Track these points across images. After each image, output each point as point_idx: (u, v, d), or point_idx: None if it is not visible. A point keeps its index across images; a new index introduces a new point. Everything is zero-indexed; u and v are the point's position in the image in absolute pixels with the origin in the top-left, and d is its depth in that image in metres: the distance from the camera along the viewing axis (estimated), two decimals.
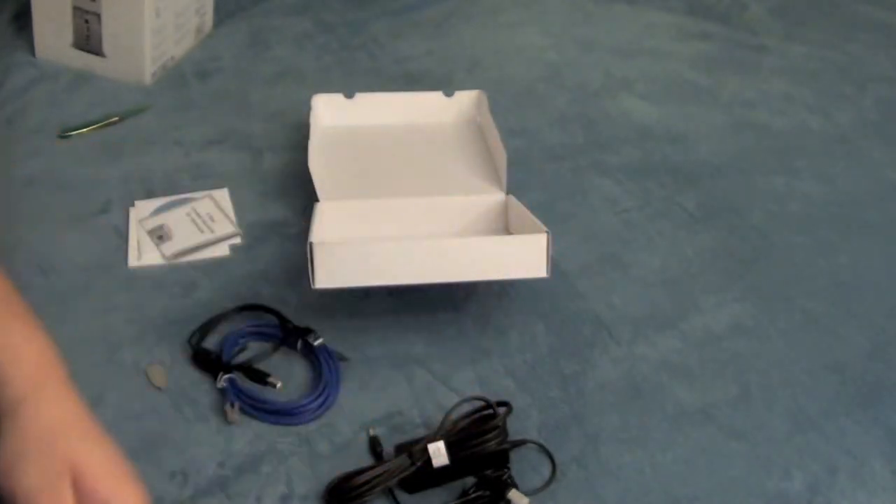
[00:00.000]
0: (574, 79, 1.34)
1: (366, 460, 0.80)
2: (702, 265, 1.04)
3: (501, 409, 0.81)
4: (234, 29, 1.37)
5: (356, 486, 0.75)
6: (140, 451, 0.80)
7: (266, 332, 0.90)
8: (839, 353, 0.95)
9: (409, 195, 1.02)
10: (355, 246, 0.88)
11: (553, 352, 0.92)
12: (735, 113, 1.31)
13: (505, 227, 1.00)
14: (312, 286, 0.85)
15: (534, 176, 1.14)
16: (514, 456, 0.81)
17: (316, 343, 0.88)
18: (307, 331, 0.89)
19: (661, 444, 0.84)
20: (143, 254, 0.99)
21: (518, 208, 0.97)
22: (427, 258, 0.86)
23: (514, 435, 0.81)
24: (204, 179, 1.08)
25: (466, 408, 0.81)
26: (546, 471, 0.81)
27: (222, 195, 1.07)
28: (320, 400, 0.84)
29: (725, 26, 1.51)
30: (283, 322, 0.90)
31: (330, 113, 1.14)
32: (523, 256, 0.87)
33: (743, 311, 0.99)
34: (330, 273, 0.85)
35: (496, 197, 1.01)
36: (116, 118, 1.16)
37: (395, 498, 0.77)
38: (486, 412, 0.80)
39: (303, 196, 1.05)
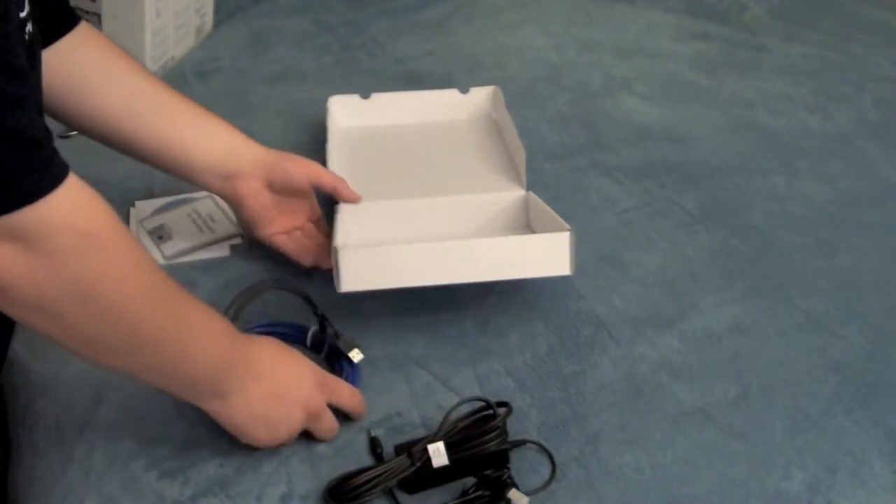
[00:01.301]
0: (574, 79, 1.34)
1: (366, 460, 0.80)
2: (702, 265, 1.04)
3: (501, 410, 0.81)
4: (234, 29, 1.37)
5: (356, 486, 0.75)
6: (140, 451, 0.80)
7: (279, 332, 0.89)
8: (839, 353, 0.95)
9: (429, 195, 1.02)
10: (380, 249, 0.88)
11: (553, 352, 0.92)
12: (735, 113, 1.31)
13: (526, 223, 1.01)
14: (338, 290, 0.86)
15: (534, 176, 1.14)
16: (514, 456, 0.81)
17: (357, 360, 0.86)
18: (337, 336, 0.88)
19: (661, 444, 0.84)
20: None
21: (539, 205, 0.97)
22: (451, 259, 0.87)
23: (514, 435, 0.81)
24: None
25: (466, 408, 0.81)
26: (546, 471, 0.81)
27: None
28: None
29: (725, 26, 1.51)
30: (323, 323, 0.89)
31: (346, 114, 1.14)
32: (546, 255, 0.88)
33: (743, 311, 0.98)
34: (355, 276, 0.86)
35: (516, 193, 1.02)
36: None
37: (395, 498, 0.77)
38: (485, 412, 0.80)
39: None
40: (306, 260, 0.97)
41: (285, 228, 0.97)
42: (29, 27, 0.70)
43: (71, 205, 0.62)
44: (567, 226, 0.89)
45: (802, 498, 0.81)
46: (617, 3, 1.55)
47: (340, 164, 1.04)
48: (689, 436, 0.85)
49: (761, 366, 0.93)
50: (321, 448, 0.81)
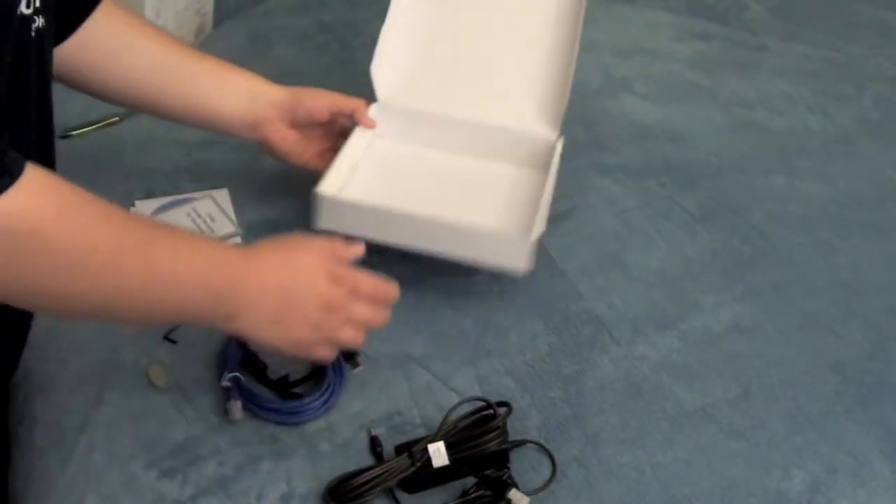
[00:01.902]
0: (574, 79, 1.33)
1: (366, 460, 0.80)
2: (702, 265, 1.04)
3: (501, 410, 0.81)
4: (234, 29, 1.37)
5: (356, 485, 0.75)
6: (140, 451, 0.80)
7: None
8: (839, 353, 0.95)
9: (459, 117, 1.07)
10: (354, 203, 0.94)
11: (553, 352, 0.92)
12: (735, 113, 1.31)
13: (545, 165, 1.04)
14: (314, 227, 0.93)
15: None
16: (514, 456, 0.81)
17: (355, 371, 0.87)
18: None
19: (661, 444, 0.84)
20: None
21: (547, 189, 0.98)
22: (417, 229, 0.92)
23: (514, 435, 0.81)
24: (204, 179, 1.08)
25: (466, 408, 0.81)
26: (546, 471, 0.81)
27: (222, 195, 1.07)
28: (323, 399, 0.84)
29: (725, 26, 1.51)
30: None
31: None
32: (506, 251, 0.91)
33: (743, 311, 0.99)
34: (330, 221, 0.93)
35: (546, 136, 1.06)
36: (116, 118, 1.16)
37: (395, 498, 0.77)
38: (486, 412, 0.80)
39: (303, 196, 1.05)
40: None
41: (317, 153, 1.03)
42: (39, 23, 0.70)
43: (13, 205, 0.61)
44: (536, 235, 0.91)
45: (802, 498, 0.81)
46: (617, 3, 1.55)
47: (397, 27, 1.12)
48: (689, 436, 0.85)
49: (761, 366, 0.93)
50: (321, 447, 0.81)
